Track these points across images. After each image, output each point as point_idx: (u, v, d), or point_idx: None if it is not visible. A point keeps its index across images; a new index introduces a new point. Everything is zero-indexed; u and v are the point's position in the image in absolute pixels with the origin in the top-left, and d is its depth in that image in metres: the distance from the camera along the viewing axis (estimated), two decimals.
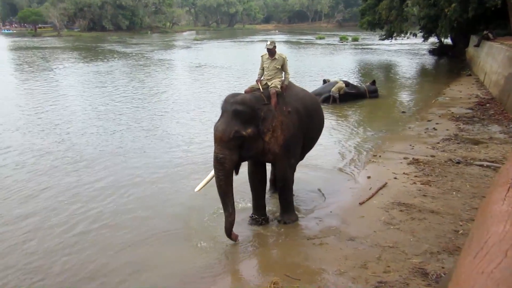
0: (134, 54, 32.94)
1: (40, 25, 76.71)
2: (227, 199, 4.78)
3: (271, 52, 5.04)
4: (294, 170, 5.39)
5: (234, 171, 4.81)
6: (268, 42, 5.04)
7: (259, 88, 5.01)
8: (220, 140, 4.61)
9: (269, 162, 5.39)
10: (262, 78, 5.14)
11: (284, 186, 5.31)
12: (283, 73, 5.15)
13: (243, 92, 5.07)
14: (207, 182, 5.01)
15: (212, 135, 4.75)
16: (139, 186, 6.84)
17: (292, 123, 4.97)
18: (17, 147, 8.91)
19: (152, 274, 4.47)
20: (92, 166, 7.78)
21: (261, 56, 5.23)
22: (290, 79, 5.33)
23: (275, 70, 5.03)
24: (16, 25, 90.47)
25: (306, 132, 5.31)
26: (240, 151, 4.70)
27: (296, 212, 5.56)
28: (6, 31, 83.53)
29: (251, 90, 5.05)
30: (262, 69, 5.21)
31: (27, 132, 10.03)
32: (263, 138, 4.80)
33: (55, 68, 23.81)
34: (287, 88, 5.13)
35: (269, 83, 5.00)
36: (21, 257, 4.80)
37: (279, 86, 4.95)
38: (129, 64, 26.08)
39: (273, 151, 4.93)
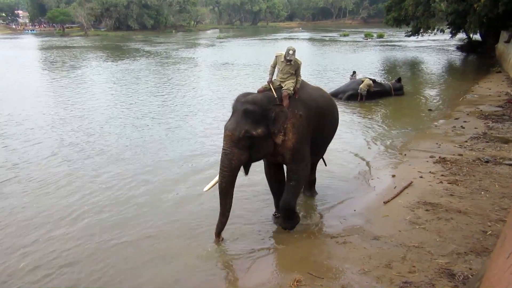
0: (159, 52, 33.37)
1: (67, 25, 78.56)
2: (226, 199, 4.78)
3: (290, 60, 4.96)
4: (306, 172, 5.18)
5: (244, 171, 4.84)
6: (291, 52, 4.94)
7: (271, 89, 4.98)
8: (230, 139, 4.61)
9: (281, 163, 5.29)
10: (275, 79, 5.09)
11: (292, 188, 5.08)
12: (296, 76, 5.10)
13: (256, 92, 5.06)
14: (216, 183, 4.91)
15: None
16: (156, 182, 6.95)
17: (303, 126, 4.89)
18: (48, 140, 9.19)
19: (172, 269, 4.55)
20: (121, 158, 7.96)
21: (276, 55, 5.15)
22: (309, 81, 5.28)
23: (289, 73, 4.99)
24: (45, 25, 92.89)
25: (319, 133, 5.24)
26: (250, 152, 4.69)
27: (298, 214, 5.38)
28: (29, 31, 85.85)
29: (264, 90, 5.04)
30: (274, 66, 5.18)
31: (59, 126, 10.32)
32: (273, 139, 4.76)
33: (84, 67, 24.40)
34: (299, 90, 5.05)
35: (282, 85, 4.97)
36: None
37: (291, 89, 4.92)
38: (155, 62, 26.44)
39: (283, 153, 4.91)
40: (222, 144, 4.70)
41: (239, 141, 4.58)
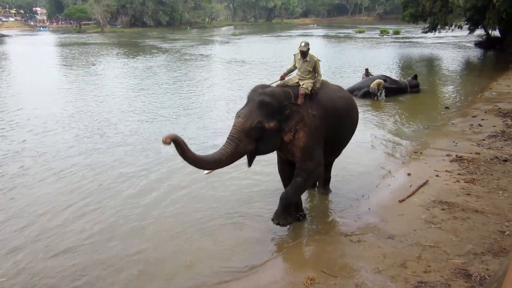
0: (174, 49, 33.54)
1: (84, 22, 79.54)
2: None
3: (304, 53, 4.97)
4: (315, 172, 5.02)
5: (247, 163, 4.78)
6: (303, 44, 4.95)
7: (288, 85, 4.98)
8: (242, 126, 4.52)
9: (292, 161, 5.18)
10: (294, 76, 5.08)
11: (297, 183, 4.98)
12: (316, 74, 5.06)
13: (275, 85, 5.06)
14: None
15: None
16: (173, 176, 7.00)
17: (315, 126, 4.85)
18: (68, 133, 9.36)
19: (186, 265, 4.59)
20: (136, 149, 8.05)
21: (294, 54, 5.18)
22: (324, 78, 5.25)
23: (306, 71, 4.97)
24: (62, 22, 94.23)
25: (334, 134, 5.18)
26: (257, 143, 4.62)
27: (292, 214, 5.19)
28: (41, 28, 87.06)
29: (282, 85, 5.03)
30: (294, 65, 5.18)
31: (79, 120, 10.50)
32: (282, 136, 4.73)
33: (102, 63, 24.75)
34: (318, 90, 5.02)
35: (300, 83, 4.95)
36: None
37: (309, 88, 4.89)
38: (171, 59, 26.60)
39: (293, 151, 4.87)
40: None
41: (250, 130, 4.52)
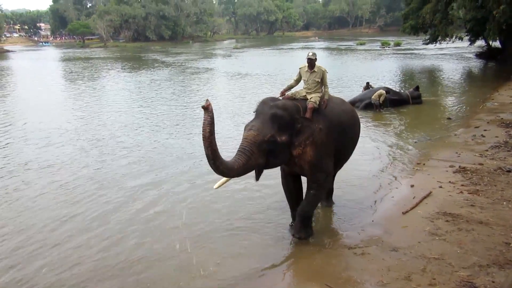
0: (177, 63, 33.80)
1: (87, 37, 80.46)
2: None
3: (312, 63, 4.93)
4: (326, 183, 5.11)
5: (255, 177, 4.72)
6: (310, 53, 4.92)
7: (295, 98, 4.93)
8: (254, 139, 4.43)
9: (299, 174, 5.22)
10: (300, 89, 5.04)
11: (311, 196, 5.02)
12: (322, 86, 5.04)
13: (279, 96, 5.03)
14: (227, 181, 4.76)
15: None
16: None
17: (321, 140, 4.80)
18: (70, 146, 9.40)
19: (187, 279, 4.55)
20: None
21: (300, 68, 5.12)
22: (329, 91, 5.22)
23: (314, 83, 4.91)
24: (66, 37, 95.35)
25: (338, 147, 5.13)
26: (267, 157, 4.55)
27: (312, 227, 5.23)
28: (45, 43, 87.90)
29: (290, 98, 4.97)
30: (297, 80, 5.15)
31: (82, 132, 10.54)
32: (291, 151, 4.68)
33: (105, 77, 25.00)
34: (326, 103, 4.97)
35: (308, 96, 4.90)
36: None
37: (317, 102, 4.85)
38: (173, 73, 26.81)
39: (301, 165, 4.84)
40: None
41: (262, 143, 4.44)
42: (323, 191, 5.13)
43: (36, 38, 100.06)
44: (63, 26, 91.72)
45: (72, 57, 44.93)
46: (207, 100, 4.06)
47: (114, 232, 5.66)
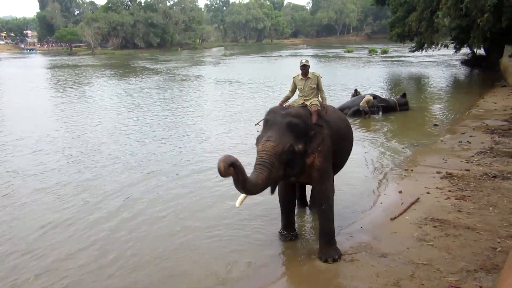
0: (165, 70, 33.74)
1: (75, 44, 79.94)
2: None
3: (306, 70, 4.88)
4: (332, 192, 4.91)
5: (270, 190, 4.51)
6: (304, 60, 4.87)
7: (295, 106, 4.83)
8: (274, 150, 4.21)
9: (303, 183, 5.12)
10: (296, 99, 4.99)
11: (326, 212, 4.80)
12: (319, 93, 5.03)
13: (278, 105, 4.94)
14: (246, 197, 4.62)
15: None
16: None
17: (327, 147, 4.73)
18: (56, 154, 9.30)
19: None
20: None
21: (293, 77, 5.05)
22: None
23: (311, 90, 4.87)
24: (53, 44, 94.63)
25: (338, 154, 5.09)
26: (284, 168, 4.35)
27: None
28: (30, 51, 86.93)
29: (289, 106, 4.89)
30: (292, 91, 5.11)
31: (72, 140, 10.44)
32: (305, 159, 4.51)
33: (92, 84, 24.80)
34: (326, 109, 4.92)
35: (306, 103, 4.84)
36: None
37: (319, 105, 4.81)
38: (162, 80, 26.74)
39: (310, 173, 4.67)
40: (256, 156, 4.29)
41: (282, 154, 4.25)
42: (331, 201, 4.89)
43: (22, 46, 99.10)
44: (50, 34, 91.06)
45: (59, 65, 44.58)
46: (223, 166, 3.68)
47: (100, 240, 5.60)
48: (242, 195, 4.57)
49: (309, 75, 4.95)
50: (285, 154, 4.27)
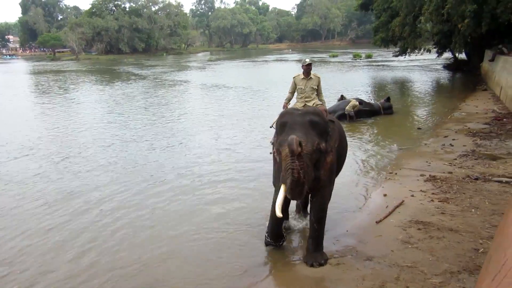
0: (150, 75, 33.55)
1: (58, 50, 79.06)
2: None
3: (308, 70, 4.82)
4: (330, 198, 4.84)
5: (302, 207, 4.41)
6: (307, 60, 4.82)
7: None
8: (304, 150, 3.88)
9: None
10: (297, 102, 4.94)
11: (322, 218, 4.69)
12: (317, 96, 4.98)
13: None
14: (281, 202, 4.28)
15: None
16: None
17: (339, 146, 4.66)
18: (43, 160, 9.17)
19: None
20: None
21: (294, 77, 4.99)
22: None
23: (312, 90, 4.84)
24: (36, 49, 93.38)
25: (341, 156, 5.07)
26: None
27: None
28: (9, 56, 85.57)
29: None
30: (292, 92, 5.09)
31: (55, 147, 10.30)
32: (325, 158, 4.27)
33: (79, 89, 24.55)
34: (327, 113, 4.84)
35: (308, 104, 4.81)
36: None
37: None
38: (148, 85, 26.58)
39: (320, 174, 4.36)
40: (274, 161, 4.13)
41: (312, 153, 4.02)
42: (327, 207, 4.77)
43: (4, 51, 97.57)
44: (33, 39, 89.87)
45: (43, 70, 43.99)
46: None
47: (84, 248, 5.52)
48: (280, 201, 4.22)
49: (311, 76, 4.93)
50: (314, 153, 4.08)
